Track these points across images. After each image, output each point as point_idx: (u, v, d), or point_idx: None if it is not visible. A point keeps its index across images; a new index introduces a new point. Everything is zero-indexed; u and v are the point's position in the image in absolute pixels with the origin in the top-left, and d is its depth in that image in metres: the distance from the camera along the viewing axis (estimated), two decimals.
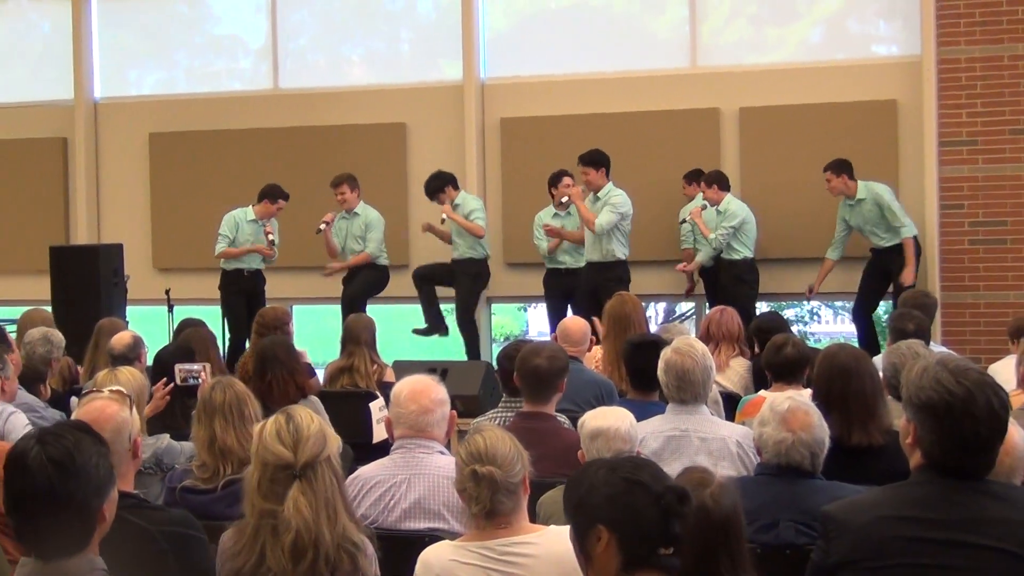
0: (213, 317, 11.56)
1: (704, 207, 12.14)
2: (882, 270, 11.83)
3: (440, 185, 12.63)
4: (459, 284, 12.69)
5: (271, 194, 12.80)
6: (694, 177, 12.55)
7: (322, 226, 12.64)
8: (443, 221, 12.58)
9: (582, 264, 12.27)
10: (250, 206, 12.87)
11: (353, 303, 12.45)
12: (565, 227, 12.39)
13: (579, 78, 13.63)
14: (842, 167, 11.78)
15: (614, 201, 11.88)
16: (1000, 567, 3.45)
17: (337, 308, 12.66)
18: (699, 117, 13.16)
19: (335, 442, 3.81)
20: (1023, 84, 12.18)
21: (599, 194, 11.95)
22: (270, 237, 12.70)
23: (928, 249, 12.25)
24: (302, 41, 14.86)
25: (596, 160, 11.94)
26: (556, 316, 12.35)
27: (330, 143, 14.12)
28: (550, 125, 13.53)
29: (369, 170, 13.46)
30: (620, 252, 11.96)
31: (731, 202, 12.10)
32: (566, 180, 12.25)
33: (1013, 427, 4.43)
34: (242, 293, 12.77)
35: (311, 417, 3.79)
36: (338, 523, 3.71)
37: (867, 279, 11.93)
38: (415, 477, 5.00)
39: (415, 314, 13.23)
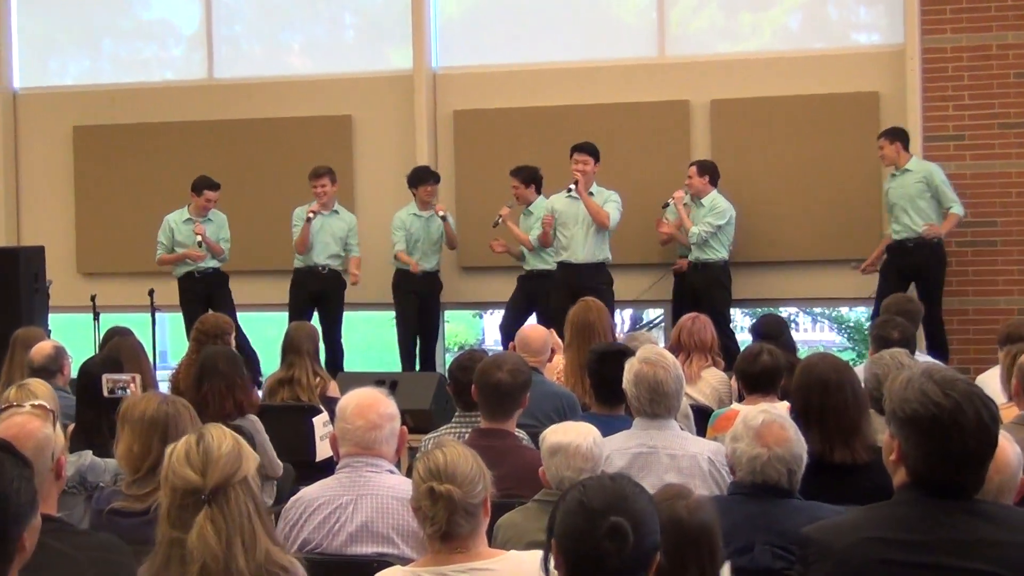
0: (143, 325, 11.52)
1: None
2: (900, 271, 11.76)
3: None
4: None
5: (195, 186, 12.90)
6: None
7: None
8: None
9: (553, 266, 12.34)
10: (187, 206, 12.90)
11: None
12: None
13: (539, 68, 13.64)
14: (897, 135, 11.86)
15: (616, 199, 12.06)
16: None
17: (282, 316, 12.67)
18: (667, 110, 13.19)
19: (253, 462, 3.75)
20: (1013, 75, 12.26)
21: (591, 191, 12.01)
22: (197, 238, 12.69)
23: None
24: (238, 27, 14.82)
25: (596, 151, 12.05)
26: (515, 315, 12.37)
27: (270, 137, 14.08)
28: (507, 118, 13.54)
29: (312, 165, 13.40)
30: (609, 253, 12.14)
31: (718, 198, 12.18)
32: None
33: (1006, 443, 4.45)
34: (199, 298, 12.75)
35: (224, 435, 3.73)
36: (257, 549, 3.64)
37: (887, 284, 11.74)
38: (362, 498, 4.99)
39: (362, 322, 13.22)
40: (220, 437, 3.73)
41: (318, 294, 12.93)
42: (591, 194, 11.97)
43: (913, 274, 11.74)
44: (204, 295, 12.83)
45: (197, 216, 12.86)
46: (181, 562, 3.64)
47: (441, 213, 12.74)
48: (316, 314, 12.74)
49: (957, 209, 11.68)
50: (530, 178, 12.46)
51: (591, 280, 11.70)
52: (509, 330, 12.30)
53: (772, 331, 8.68)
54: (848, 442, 5.48)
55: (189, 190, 12.90)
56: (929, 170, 11.78)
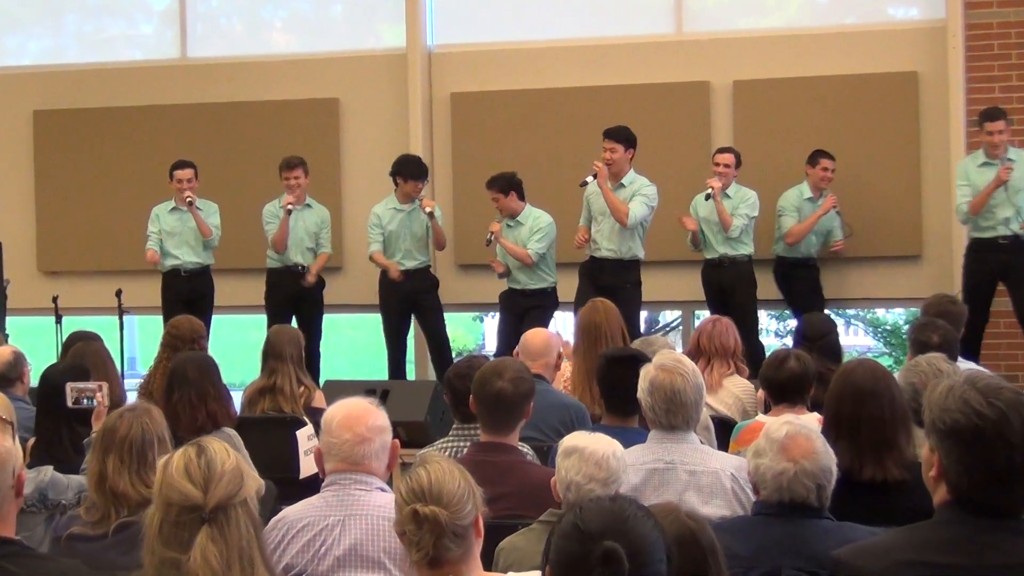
0: (110, 329, 11.52)
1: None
2: (992, 267, 11.67)
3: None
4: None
5: (171, 170, 12.95)
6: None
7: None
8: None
9: (543, 285, 12.36)
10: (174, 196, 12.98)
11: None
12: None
13: (544, 46, 13.66)
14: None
15: (647, 192, 11.99)
16: None
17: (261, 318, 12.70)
18: (685, 92, 13.22)
19: (254, 483, 3.76)
20: None
21: (623, 181, 12.00)
22: (187, 198, 12.74)
23: (955, 247, 12.31)
24: (215, 2, 14.84)
25: (628, 138, 11.99)
26: (506, 338, 12.33)
27: (249, 122, 14.10)
28: (509, 101, 13.55)
29: (297, 152, 13.40)
30: (640, 251, 12.12)
31: (744, 188, 12.24)
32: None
33: None
34: (180, 298, 12.77)
35: (227, 452, 3.75)
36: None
37: (979, 282, 11.69)
38: (350, 519, 4.99)
39: (349, 324, 13.22)
40: (223, 452, 3.74)
41: (296, 296, 12.94)
42: (623, 185, 11.98)
43: (1001, 273, 11.68)
44: (186, 294, 12.83)
45: (180, 204, 12.89)
46: None
47: (428, 210, 12.62)
48: (294, 318, 12.71)
49: None
50: (507, 186, 12.29)
51: (616, 278, 11.75)
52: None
53: (818, 332, 8.66)
54: (881, 458, 5.46)
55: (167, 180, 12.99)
56: None
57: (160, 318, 12.67)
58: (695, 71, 13.24)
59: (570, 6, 13.76)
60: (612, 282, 11.55)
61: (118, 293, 12.82)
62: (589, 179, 11.95)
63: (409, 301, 12.82)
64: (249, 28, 14.70)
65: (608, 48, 13.49)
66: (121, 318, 12.89)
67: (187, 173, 12.95)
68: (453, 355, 13.06)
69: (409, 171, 12.72)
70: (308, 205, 12.99)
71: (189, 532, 3.63)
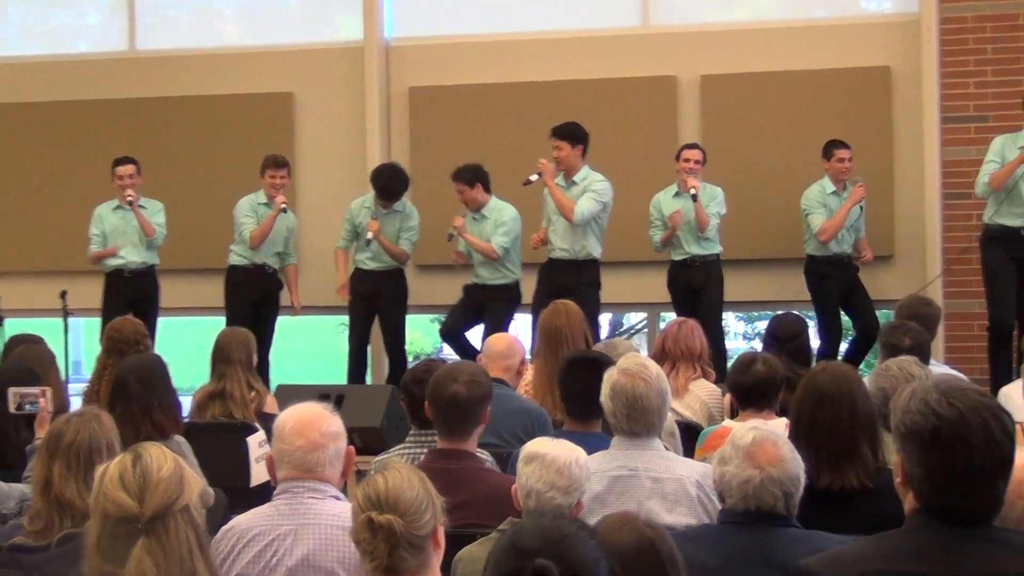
0: (53, 332, 11.47)
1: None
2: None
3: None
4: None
5: (112, 167, 12.91)
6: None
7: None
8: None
9: (505, 280, 12.39)
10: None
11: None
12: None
13: (505, 39, 13.67)
14: None
15: (597, 187, 11.99)
16: None
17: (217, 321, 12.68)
18: (652, 86, 13.25)
19: (195, 487, 3.73)
20: None
21: (575, 178, 12.02)
22: (369, 235, 12.61)
23: (928, 247, 12.38)
24: None
25: (574, 134, 12.02)
26: (460, 315, 12.44)
27: (200, 117, 14.07)
28: (470, 96, 13.56)
29: (248, 149, 13.41)
30: (596, 250, 12.11)
31: (708, 184, 12.20)
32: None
33: None
34: (124, 299, 12.71)
35: (164, 456, 3.72)
36: None
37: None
38: (303, 528, 4.98)
39: (302, 328, 13.19)
40: (160, 458, 3.70)
41: (260, 297, 12.93)
42: (575, 182, 12.01)
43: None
44: (129, 296, 12.78)
45: (122, 203, 12.82)
46: None
47: (369, 235, 12.56)
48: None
49: None
50: (474, 178, 12.31)
51: (571, 278, 11.77)
52: (451, 333, 12.33)
53: (788, 333, 8.68)
54: (839, 465, 5.47)
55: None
56: None
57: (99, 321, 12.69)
58: (661, 65, 13.27)
59: None
60: (567, 283, 11.56)
61: (62, 294, 12.79)
62: (533, 178, 11.99)
63: (374, 301, 12.82)
64: (200, 19, 14.66)
65: (572, 41, 13.51)
66: (66, 320, 12.85)
67: (128, 169, 12.85)
68: (408, 359, 13.06)
69: (389, 190, 12.66)
70: (284, 209, 12.93)
71: (126, 544, 3.61)
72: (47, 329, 10.46)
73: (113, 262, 12.87)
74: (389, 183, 12.63)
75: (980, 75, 12.46)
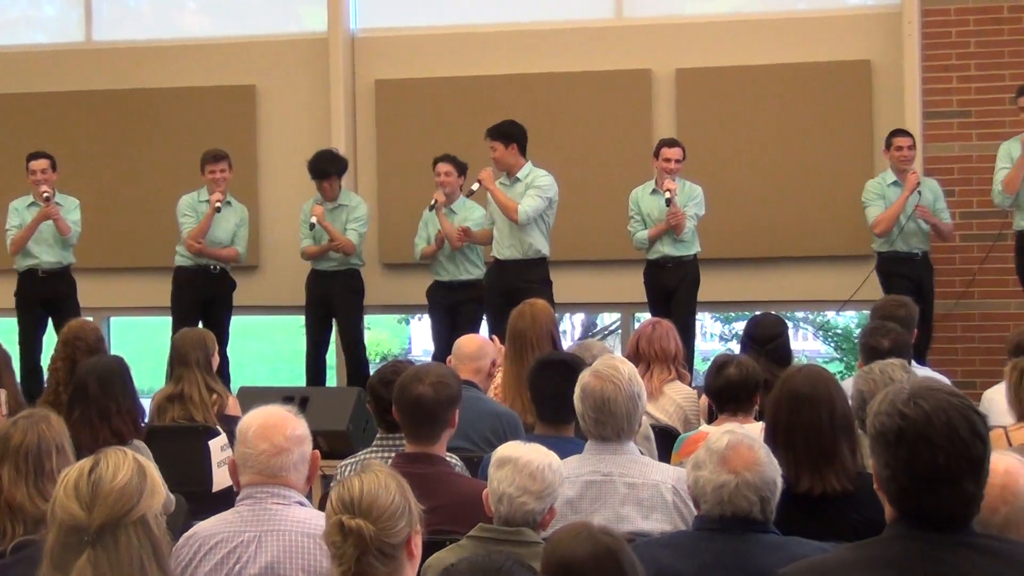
0: (7, 331, 11.45)
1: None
2: None
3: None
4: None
5: (26, 161, 12.80)
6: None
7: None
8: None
9: (469, 276, 12.45)
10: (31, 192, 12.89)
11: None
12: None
13: (474, 31, 13.69)
14: None
15: (541, 183, 12.00)
16: None
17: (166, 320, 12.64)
18: (626, 80, 13.27)
19: (155, 497, 3.69)
20: None
21: (520, 175, 12.03)
22: (43, 192, 12.58)
23: None
24: None
25: (506, 133, 12.01)
26: (441, 336, 12.42)
27: (160, 110, 14.06)
28: (438, 89, 13.56)
29: (210, 143, 13.36)
30: (544, 247, 12.10)
31: (689, 184, 12.15)
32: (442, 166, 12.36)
33: (1020, 469, 4.49)
34: (37, 299, 12.67)
35: (121, 464, 3.67)
36: None
37: None
38: (267, 535, 4.98)
39: (269, 327, 13.17)
40: (116, 466, 3.65)
41: (209, 297, 12.89)
42: (519, 179, 12.03)
43: None
44: (45, 296, 12.73)
45: (36, 199, 12.72)
46: None
47: (313, 219, 12.58)
48: (201, 321, 12.63)
49: None
50: (462, 169, 12.44)
51: (519, 278, 11.77)
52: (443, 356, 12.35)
53: (766, 334, 8.70)
54: (819, 469, 5.48)
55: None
56: None
57: (14, 320, 12.70)
58: (636, 58, 13.29)
59: None
60: (517, 282, 11.57)
61: (17, 293, 12.75)
62: (474, 187, 12.08)
63: (329, 302, 12.81)
64: (159, 10, 14.65)
65: (543, 33, 13.52)
66: None
67: (42, 164, 12.67)
68: (371, 361, 13.05)
69: (321, 170, 12.70)
70: (228, 202, 12.89)
71: (75, 555, 3.58)
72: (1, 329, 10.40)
73: (26, 262, 12.73)
74: (317, 163, 12.70)
75: (963, 69, 12.50)
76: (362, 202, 12.93)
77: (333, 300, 12.80)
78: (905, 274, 11.92)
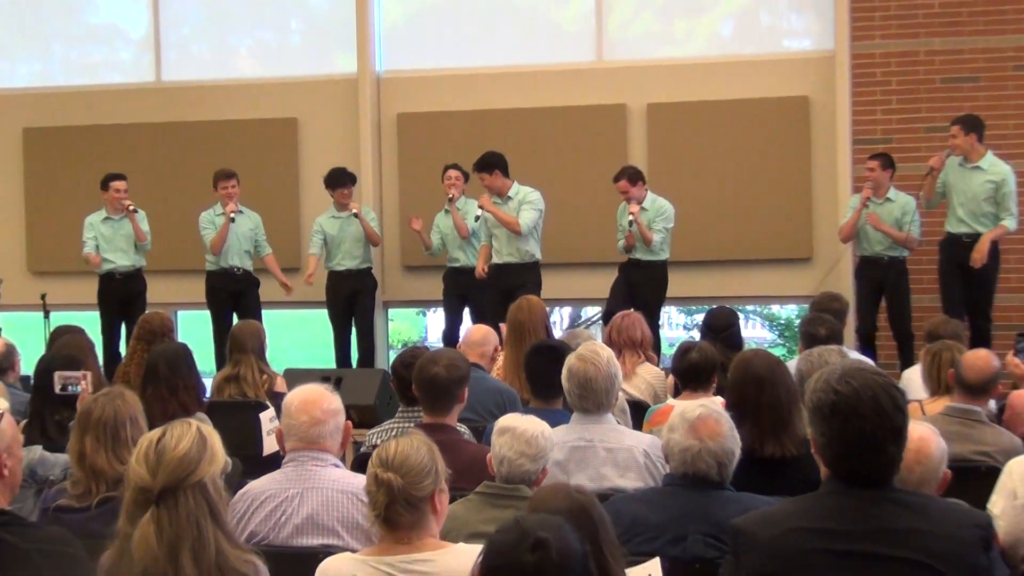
0: (93, 324, 11.44)
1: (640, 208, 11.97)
2: (958, 263, 11.40)
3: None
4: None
5: (103, 183, 12.82)
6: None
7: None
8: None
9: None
10: (103, 207, 12.88)
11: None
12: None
13: (480, 72, 13.66)
14: (974, 125, 11.34)
15: (531, 199, 12.00)
16: None
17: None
18: (605, 113, 13.25)
19: (214, 464, 3.66)
20: (939, 80, 12.36)
21: (510, 194, 12.02)
22: (128, 205, 12.66)
23: (841, 250, 12.40)
24: (186, 31, 14.75)
25: (488, 163, 11.99)
26: (452, 317, 12.47)
27: (217, 139, 14.03)
28: (449, 121, 13.54)
29: (259, 167, 13.41)
30: (537, 252, 12.11)
31: (660, 200, 12.05)
32: (452, 173, 12.45)
33: (930, 435, 4.51)
34: (115, 298, 12.68)
35: (184, 435, 3.66)
36: (203, 556, 3.57)
37: (947, 274, 11.51)
38: (308, 491, 4.99)
39: (307, 320, 13.15)
40: (180, 436, 3.64)
41: (236, 295, 12.87)
42: (510, 197, 12.01)
43: (961, 271, 11.43)
44: (121, 296, 12.74)
45: (114, 214, 12.76)
46: (130, 558, 3.62)
47: (354, 211, 12.69)
48: (235, 313, 12.64)
49: (1012, 225, 11.29)
50: (466, 175, 12.50)
51: (516, 279, 11.75)
52: (451, 334, 12.34)
53: (720, 324, 8.71)
54: (779, 437, 5.52)
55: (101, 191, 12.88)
56: (1006, 170, 11.33)
57: (96, 315, 12.73)
58: (613, 95, 13.26)
59: (504, 36, 13.76)
60: (515, 284, 11.53)
61: (43, 296, 12.73)
62: (478, 213, 12.04)
63: (350, 299, 12.83)
64: (217, 54, 14.61)
65: (537, 74, 13.50)
66: (46, 316, 12.75)
67: (123, 184, 12.76)
68: (376, 353, 13.05)
69: (335, 179, 12.76)
70: (241, 211, 12.86)
71: (142, 511, 3.58)
72: (87, 321, 10.39)
73: (106, 266, 12.76)
74: (331, 174, 12.76)
75: (886, 103, 12.47)
76: (369, 209, 13.03)
77: (356, 295, 12.84)
78: (869, 276, 11.81)
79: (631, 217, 11.82)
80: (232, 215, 12.62)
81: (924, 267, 11.90)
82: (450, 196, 12.34)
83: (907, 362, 10.85)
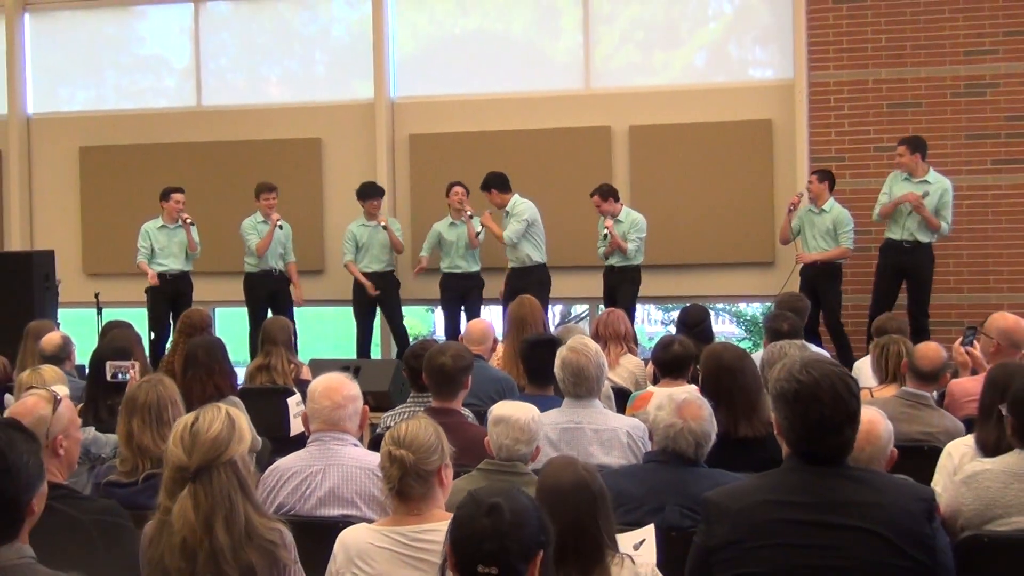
0: (140, 319, 11.43)
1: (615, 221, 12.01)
2: (898, 269, 11.46)
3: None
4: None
5: (163, 194, 12.85)
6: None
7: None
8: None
9: (476, 268, 12.55)
10: (160, 215, 12.84)
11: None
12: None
13: (482, 98, 13.64)
14: (918, 145, 11.41)
15: (517, 211, 12.11)
16: (862, 545, 3.51)
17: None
18: (592, 135, 13.22)
19: (242, 444, 3.66)
20: (885, 105, 12.36)
21: (508, 208, 12.16)
22: (185, 218, 12.71)
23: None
24: (223, 61, 14.73)
25: (488, 183, 12.23)
26: (450, 318, 12.49)
27: (250, 157, 14.01)
28: (455, 141, 13.52)
29: (287, 182, 13.38)
30: (536, 255, 12.17)
31: (632, 213, 12.10)
32: (456, 189, 12.54)
33: (878, 417, 4.50)
34: (165, 297, 12.66)
35: (215, 418, 3.66)
36: (235, 526, 3.59)
37: (884, 279, 11.54)
38: (330, 467, 4.98)
39: (331, 317, 13.13)
40: (211, 420, 3.65)
41: (273, 294, 12.84)
42: (507, 212, 12.16)
43: (904, 273, 11.49)
44: (170, 295, 12.73)
45: (170, 223, 12.76)
46: (169, 530, 3.61)
47: (383, 223, 12.71)
48: (270, 309, 12.61)
49: (944, 228, 11.36)
50: (468, 191, 12.57)
51: (521, 281, 11.81)
52: (452, 331, 12.34)
53: (693, 320, 8.70)
54: (750, 419, 5.55)
55: (159, 201, 12.89)
56: (947, 186, 11.44)
57: (144, 311, 12.71)
58: (599, 118, 13.24)
59: (503, 66, 13.72)
60: (522, 284, 11.52)
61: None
62: (479, 228, 12.26)
63: (376, 298, 12.80)
64: (250, 81, 14.59)
65: (532, 100, 13.48)
66: (99, 312, 12.76)
67: (183, 196, 12.81)
68: (409, 340, 13.05)
69: (367, 192, 12.76)
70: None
71: (181, 487, 3.59)
72: (135, 317, 10.36)
73: (158, 269, 12.74)
74: (363, 186, 12.77)
75: (839, 126, 12.47)
76: (394, 220, 13.01)
77: (382, 293, 12.78)
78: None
79: (606, 230, 11.93)
80: (280, 224, 12.61)
81: (859, 269, 11.99)
82: (469, 212, 12.37)
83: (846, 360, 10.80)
